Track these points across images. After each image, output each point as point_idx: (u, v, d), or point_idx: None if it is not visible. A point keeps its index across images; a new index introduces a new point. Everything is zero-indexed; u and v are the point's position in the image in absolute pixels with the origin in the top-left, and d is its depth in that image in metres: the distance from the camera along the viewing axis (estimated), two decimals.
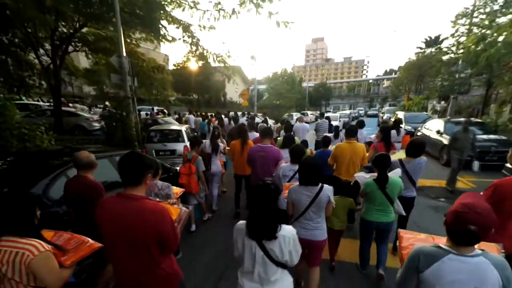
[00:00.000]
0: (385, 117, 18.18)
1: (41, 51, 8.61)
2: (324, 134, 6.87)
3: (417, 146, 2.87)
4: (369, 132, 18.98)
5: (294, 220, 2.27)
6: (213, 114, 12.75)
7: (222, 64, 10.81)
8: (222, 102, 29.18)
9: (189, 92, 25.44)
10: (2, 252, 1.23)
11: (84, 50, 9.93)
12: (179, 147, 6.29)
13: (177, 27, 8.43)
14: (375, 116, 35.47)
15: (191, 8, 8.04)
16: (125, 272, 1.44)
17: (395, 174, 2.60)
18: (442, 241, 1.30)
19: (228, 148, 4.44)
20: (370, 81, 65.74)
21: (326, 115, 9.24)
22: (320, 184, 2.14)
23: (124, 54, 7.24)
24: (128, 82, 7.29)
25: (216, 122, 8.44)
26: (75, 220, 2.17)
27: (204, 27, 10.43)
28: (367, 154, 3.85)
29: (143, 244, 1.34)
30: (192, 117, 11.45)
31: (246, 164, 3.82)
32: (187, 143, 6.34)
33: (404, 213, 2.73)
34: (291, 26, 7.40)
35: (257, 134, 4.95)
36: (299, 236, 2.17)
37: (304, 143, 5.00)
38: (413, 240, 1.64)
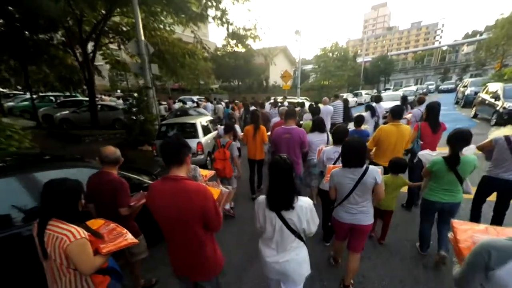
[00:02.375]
0: (468, 91, 14.00)
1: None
2: (339, 118, 6.80)
3: None
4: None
5: (337, 205, 2.24)
6: (231, 100, 11.71)
7: (253, 40, 9.49)
8: (264, 86, 27.67)
9: (229, 78, 24.65)
10: (47, 235, 1.32)
11: (117, 41, 9.82)
12: (192, 144, 5.34)
13: None
14: (451, 91, 28.81)
15: None
16: (175, 253, 1.56)
17: (469, 151, 2.39)
18: (508, 232, 1.18)
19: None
20: (445, 48, 53.77)
21: (344, 97, 8.47)
22: (365, 166, 2.05)
23: (143, 38, 6.64)
24: (148, 69, 6.73)
25: (242, 109, 7.47)
26: (96, 216, 2.10)
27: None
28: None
29: (188, 224, 1.42)
30: (209, 104, 10.73)
31: (258, 149, 4.16)
32: (202, 139, 5.44)
33: (472, 193, 2.57)
34: None
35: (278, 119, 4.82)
36: (342, 220, 2.18)
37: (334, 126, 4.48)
38: (471, 231, 1.44)
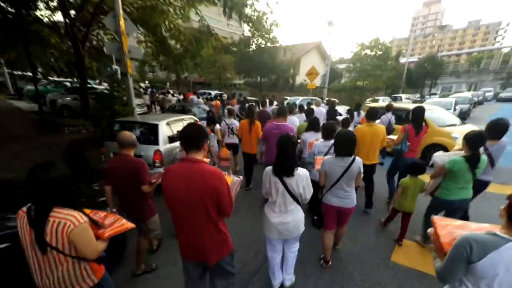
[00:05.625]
0: None
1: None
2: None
3: (503, 128, 2.84)
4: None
5: (326, 191, 2.48)
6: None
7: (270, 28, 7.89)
8: (290, 84, 25.52)
9: (251, 74, 22.89)
10: (50, 222, 1.26)
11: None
12: (149, 151, 3.95)
13: None
14: None
15: None
16: (187, 233, 1.57)
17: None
18: (483, 228, 1.23)
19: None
20: (508, 49, 45.87)
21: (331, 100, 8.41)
22: (352, 156, 2.34)
23: (121, 13, 5.51)
24: (126, 54, 5.56)
25: (238, 105, 6.41)
26: (119, 197, 2.32)
27: None
28: (396, 136, 3.85)
29: (203, 205, 1.47)
30: (195, 98, 10.45)
31: (253, 143, 4.38)
32: (163, 147, 4.02)
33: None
34: None
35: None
36: (331, 203, 2.48)
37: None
38: (450, 227, 1.42)
